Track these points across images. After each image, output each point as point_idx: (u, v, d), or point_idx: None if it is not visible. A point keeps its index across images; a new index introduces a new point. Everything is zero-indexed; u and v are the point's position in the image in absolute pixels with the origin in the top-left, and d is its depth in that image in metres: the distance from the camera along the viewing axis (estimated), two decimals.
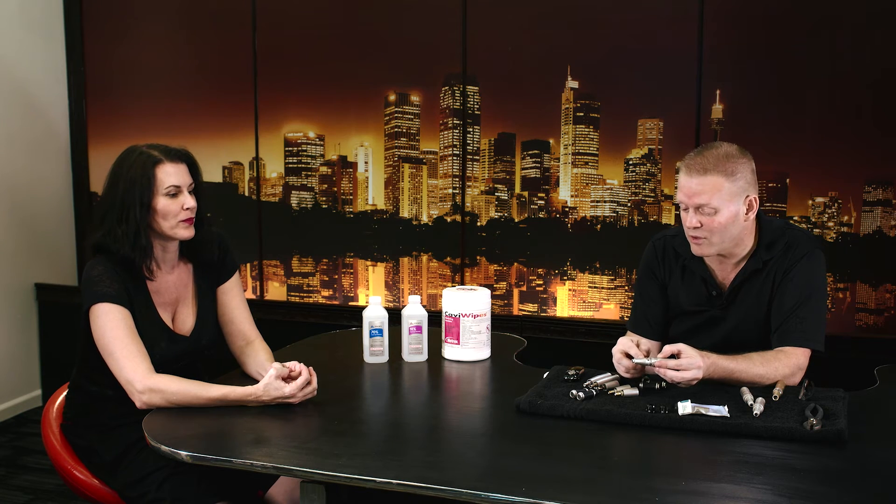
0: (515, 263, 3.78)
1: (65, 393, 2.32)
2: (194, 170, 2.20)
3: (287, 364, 2.07)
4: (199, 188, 2.21)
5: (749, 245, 2.22)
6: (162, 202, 2.12)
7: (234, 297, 2.34)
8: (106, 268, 2.10)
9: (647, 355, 2.08)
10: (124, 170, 2.14)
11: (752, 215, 2.17)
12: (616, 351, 2.10)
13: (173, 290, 2.23)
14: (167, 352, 2.16)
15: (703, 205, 2.12)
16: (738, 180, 2.12)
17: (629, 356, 2.08)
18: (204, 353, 2.28)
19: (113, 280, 2.09)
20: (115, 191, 2.13)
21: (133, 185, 2.11)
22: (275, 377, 2.01)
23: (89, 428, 2.19)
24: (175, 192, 2.13)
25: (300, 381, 2.03)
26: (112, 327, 2.05)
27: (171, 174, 2.13)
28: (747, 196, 2.14)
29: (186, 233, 2.16)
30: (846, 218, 3.33)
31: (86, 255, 2.34)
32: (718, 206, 2.12)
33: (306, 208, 4.05)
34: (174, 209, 2.12)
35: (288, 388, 2.01)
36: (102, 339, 2.06)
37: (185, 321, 2.24)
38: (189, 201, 2.14)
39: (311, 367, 2.08)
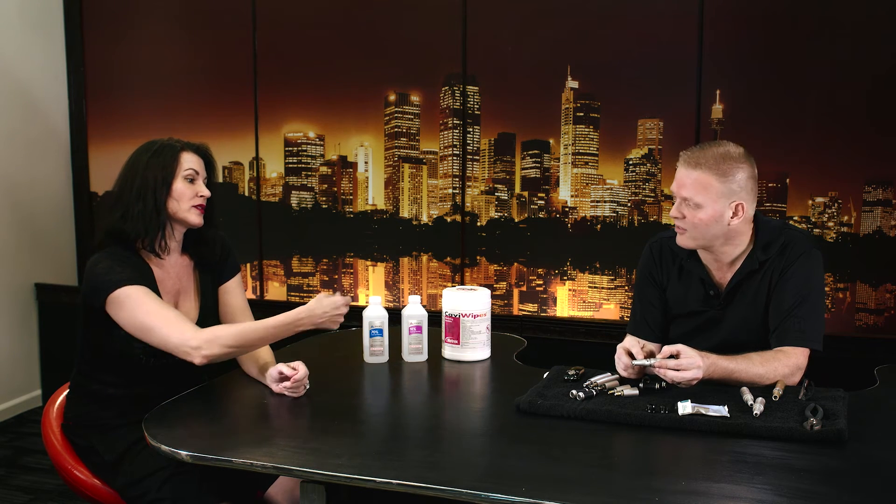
0: (515, 263, 3.78)
1: (65, 393, 2.32)
2: (210, 167, 2.27)
3: (291, 364, 2.08)
4: (212, 185, 2.27)
5: (744, 245, 2.22)
6: (179, 185, 2.18)
7: (237, 296, 2.36)
8: (112, 259, 2.12)
9: (651, 357, 2.09)
10: (145, 155, 2.19)
11: (737, 221, 2.15)
12: (619, 347, 2.11)
13: (176, 280, 2.25)
14: None
15: (688, 198, 2.13)
16: (729, 182, 2.12)
17: (631, 356, 2.08)
18: None
19: (123, 266, 2.10)
20: (135, 172, 2.18)
21: (155, 166, 2.17)
22: (324, 295, 2.05)
23: (90, 428, 2.19)
24: (193, 178, 2.20)
25: (341, 301, 2.06)
26: (141, 304, 2.05)
27: (191, 161, 2.21)
28: (735, 201, 2.13)
29: (197, 219, 2.20)
30: (846, 218, 3.33)
31: (92, 247, 2.35)
32: (702, 202, 2.12)
33: (306, 208, 4.05)
34: (189, 193, 2.18)
35: (340, 300, 2.03)
36: (136, 320, 2.05)
37: (188, 314, 2.25)
38: (204, 189, 2.21)
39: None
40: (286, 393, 2.09)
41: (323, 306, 2.03)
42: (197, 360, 2.02)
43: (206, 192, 2.22)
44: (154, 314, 2.05)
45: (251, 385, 2.21)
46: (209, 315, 2.29)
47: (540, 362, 2.39)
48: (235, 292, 2.35)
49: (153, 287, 2.16)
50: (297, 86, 4.00)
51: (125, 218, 2.15)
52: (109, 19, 4.27)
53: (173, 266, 2.25)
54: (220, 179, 4.12)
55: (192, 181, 2.20)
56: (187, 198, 2.18)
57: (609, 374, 2.14)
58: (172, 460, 1.81)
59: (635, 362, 2.08)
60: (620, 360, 2.10)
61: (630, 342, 2.11)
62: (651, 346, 2.20)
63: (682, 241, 2.22)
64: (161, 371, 2.14)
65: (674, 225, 2.24)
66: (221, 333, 2.03)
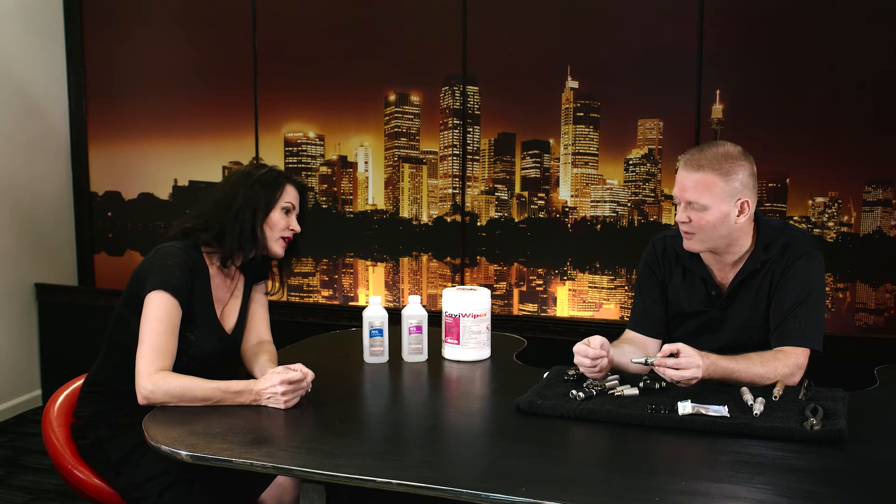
0: (515, 263, 3.78)
1: (67, 391, 2.32)
2: (304, 205, 2.34)
3: (292, 366, 2.07)
4: (303, 222, 2.32)
5: (746, 245, 2.22)
6: (276, 214, 2.24)
7: (263, 296, 2.40)
8: (181, 259, 2.15)
9: (603, 347, 2.08)
10: (249, 179, 2.24)
11: (743, 219, 2.16)
12: (576, 354, 2.09)
13: (228, 289, 2.30)
14: (214, 349, 2.20)
15: (693, 201, 2.13)
16: (732, 181, 2.12)
17: (591, 357, 2.07)
18: (237, 352, 2.32)
19: (182, 272, 2.13)
20: (235, 192, 2.23)
21: (259, 191, 2.22)
22: (278, 376, 2.02)
23: (101, 426, 2.19)
24: (289, 210, 2.27)
25: (293, 376, 2.03)
26: (158, 317, 2.08)
27: (292, 194, 2.28)
28: (740, 199, 2.13)
29: (280, 251, 2.27)
30: (846, 218, 3.33)
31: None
32: (708, 204, 2.12)
33: None
34: (282, 224, 2.25)
35: (281, 388, 2.00)
36: (146, 324, 2.09)
37: (230, 318, 2.29)
38: (295, 224, 2.28)
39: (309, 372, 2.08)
40: (279, 403, 2.02)
41: (263, 384, 2.02)
42: (139, 397, 2.04)
43: (297, 228, 2.28)
44: (155, 333, 2.07)
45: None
46: (245, 320, 2.34)
47: (540, 362, 2.39)
48: (260, 293, 2.40)
49: (206, 297, 2.21)
50: (297, 86, 4.00)
51: (221, 238, 2.20)
52: (109, 19, 4.27)
53: (230, 274, 2.30)
54: (220, 179, 4.12)
55: (287, 213, 2.26)
56: (279, 228, 2.24)
57: (609, 373, 2.14)
58: (175, 465, 1.81)
59: (633, 361, 2.08)
60: (582, 365, 2.08)
61: (577, 348, 2.09)
62: (599, 339, 2.11)
63: (691, 245, 2.20)
64: (190, 371, 2.12)
65: (675, 225, 2.24)
66: (171, 383, 2.03)
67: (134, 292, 2.15)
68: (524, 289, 3.77)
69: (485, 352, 2.47)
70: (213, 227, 2.22)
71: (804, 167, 3.35)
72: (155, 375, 2.03)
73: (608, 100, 3.58)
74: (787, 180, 3.38)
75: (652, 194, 3.55)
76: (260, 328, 2.36)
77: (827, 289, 2.89)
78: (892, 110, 3.24)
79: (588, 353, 2.08)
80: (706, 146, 2.17)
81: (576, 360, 2.11)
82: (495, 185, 3.77)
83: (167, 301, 2.09)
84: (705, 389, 2.02)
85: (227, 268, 2.26)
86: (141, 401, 2.03)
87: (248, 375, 2.24)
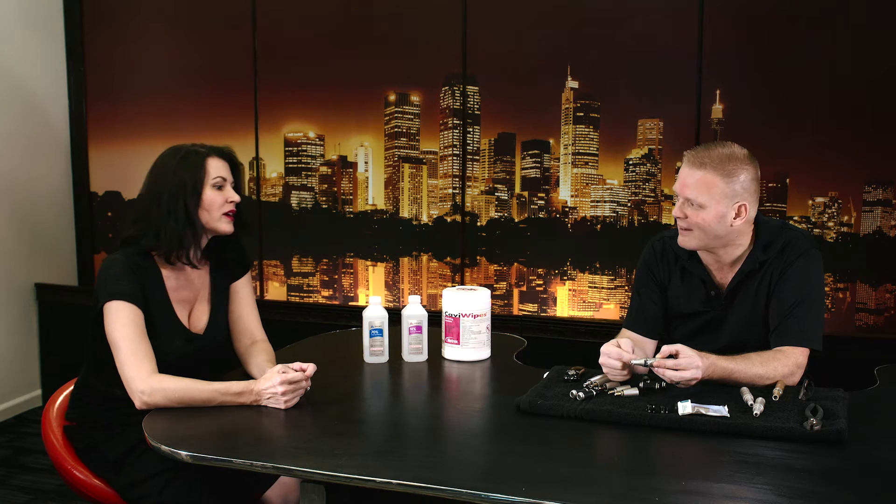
0: (515, 263, 3.78)
1: (66, 392, 2.32)
2: (235, 170, 2.26)
3: (291, 365, 2.06)
4: (239, 188, 2.25)
5: (745, 246, 2.22)
6: (209, 194, 2.17)
7: (245, 294, 2.35)
8: (124, 266, 2.11)
9: (633, 352, 2.08)
10: (172, 165, 2.17)
11: (739, 222, 2.15)
12: (605, 356, 2.07)
13: (191, 288, 2.25)
14: (182, 350, 2.17)
15: (692, 199, 2.13)
16: (733, 183, 2.11)
17: (619, 359, 2.06)
18: (218, 351, 2.29)
19: (129, 279, 2.10)
20: (161, 184, 2.16)
21: (184, 177, 2.14)
22: (278, 376, 2.01)
23: (95, 428, 2.19)
24: (221, 185, 2.19)
25: (292, 376, 2.01)
26: (122, 325, 2.06)
27: (218, 167, 2.19)
28: (739, 202, 2.13)
29: (228, 227, 2.21)
30: (846, 218, 3.33)
31: (110, 248, 2.35)
32: (706, 203, 2.12)
33: (306, 208, 4.05)
34: (219, 201, 2.18)
35: (281, 388, 1.99)
36: (112, 336, 2.07)
37: (200, 318, 2.25)
38: (233, 195, 2.21)
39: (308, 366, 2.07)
40: (280, 403, 2.01)
41: (263, 384, 2.01)
42: (137, 402, 2.02)
43: (236, 198, 2.21)
44: (126, 339, 2.04)
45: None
46: (219, 319, 2.29)
47: (540, 362, 2.39)
48: (244, 290, 2.35)
49: (162, 302, 2.16)
50: (297, 86, 4.00)
51: (158, 236, 2.13)
52: (109, 19, 4.27)
53: (190, 272, 2.24)
54: None
55: (220, 188, 2.18)
56: (217, 206, 2.17)
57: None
58: (174, 463, 1.81)
59: (633, 362, 2.08)
60: (614, 370, 2.07)
61: (608, 349, 2.08)
62: (628, 343, 2.12)
63: (685, 241, 2.21)
64: (169, 372, 2.12)
65: (674, 225, 2.24)
66: (168, 385, 2.00)
67: (95, 306, 2.13)
68: (524, 289, 3.77)
69: (485, 352, 2.47)
70: (149, 228, 2.14)
71: (804, 167, 3.35)
72: (150, 379, 2.01)
73: (608, 100, 3.58)
74: (787, 180, 3.38)
75: (652, 194, 3.55)
76: (251, 328, 2.33)
77: (827, 289, 2.90)
78: (892, 110, 3.24)
79: (623, 357, 2.06)
80: (713, 145, 2.16)
81: (602, 361, 2.08)
82: (495, 185, 3.77)
83: (124, 307, 2.06)
84: (705, 389, 2.02)
85: (173, 264, 2.18)
86: (140, 405, 2.02)
87: (245, 375, 2.24)
